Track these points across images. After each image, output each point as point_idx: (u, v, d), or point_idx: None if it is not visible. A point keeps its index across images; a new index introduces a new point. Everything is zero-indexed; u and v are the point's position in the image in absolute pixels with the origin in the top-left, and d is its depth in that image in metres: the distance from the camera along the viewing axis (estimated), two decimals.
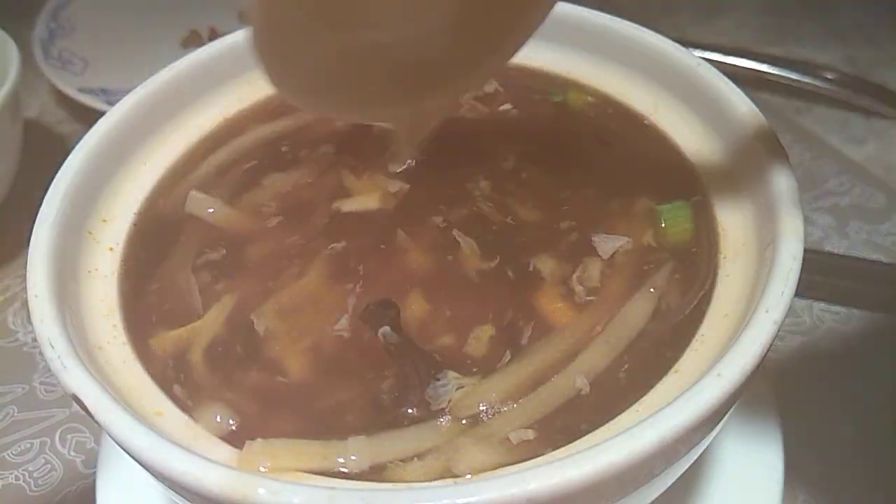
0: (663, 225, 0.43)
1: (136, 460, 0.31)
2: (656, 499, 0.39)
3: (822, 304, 0.68)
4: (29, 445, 0.63)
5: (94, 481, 0.56)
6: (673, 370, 0.36)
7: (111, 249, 0.44)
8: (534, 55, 0.53)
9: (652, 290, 0.40)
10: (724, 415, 0.35)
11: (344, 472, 0.33)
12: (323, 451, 0.34)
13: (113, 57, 1.01)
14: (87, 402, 0.31)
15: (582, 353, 0.38)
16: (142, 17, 1.09)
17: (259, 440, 0.34)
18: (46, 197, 0.41)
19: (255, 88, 0.54)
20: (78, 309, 0.39)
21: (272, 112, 0.53)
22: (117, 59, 1.00)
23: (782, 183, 0.39)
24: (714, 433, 0.37)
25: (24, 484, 0.61)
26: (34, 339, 0.70)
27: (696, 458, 0.37)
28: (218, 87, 0.53)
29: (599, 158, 0.49)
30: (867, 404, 0.62)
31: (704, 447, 0.37)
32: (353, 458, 0.33)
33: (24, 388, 0.67)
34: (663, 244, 0.43)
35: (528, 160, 0.48)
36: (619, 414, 0.35)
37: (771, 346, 0.33)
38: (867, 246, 0.75)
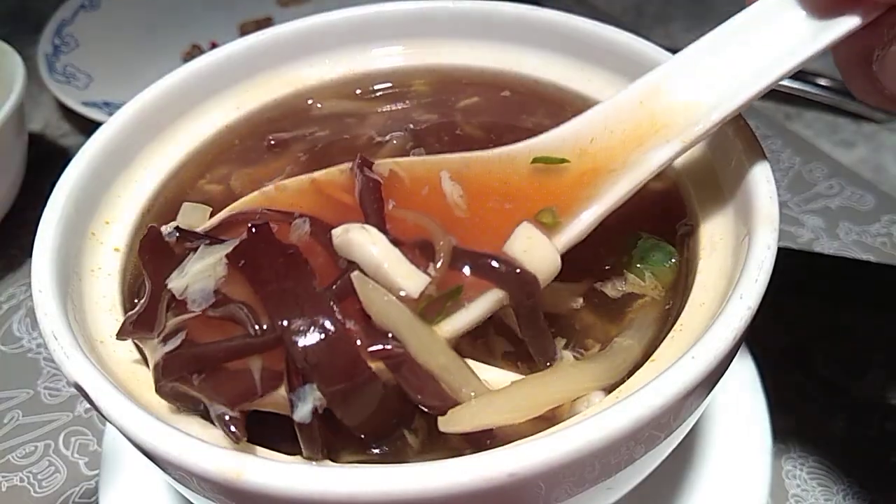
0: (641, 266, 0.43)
1: (134, 444, 0.32)
2: (645, 487, 0.40)
3: (816, 303, 0.69)
4: (33, 448, 0.65)
5: (97, 483, 0.57)
6: (650, 359, 0.37)
7: (116, 250, 0.45)
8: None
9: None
10: (702, 399, 0.36)
11: None
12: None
13: (116, 71, 1.03)
14: (87, 390, 0.33)
15: None
16: (144, 32, 1.12)
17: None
18: (51, 198, 0.43)
19: (253, 96, 0.56)
20: (81, 305, 0.41)
21: (270, 119, 0.55)
22: (120, 74, 1.02)
23: (758, 176, 0.40)
24: (693, 419, 0.38)
25: (28, 486, 0.62)
26: (39, 346, 0.73)
27: (676, 443, 0.38)
28: (216, 95, 0.54)
29: None
30: (857, 400, 0.63)
31: (685, 433, 0.38)
32: None
33: (28, 392, 0.69)
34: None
35: None
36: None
37: (746, 331, 0.34)
38: (857, 247, 0.76)
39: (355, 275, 0.36)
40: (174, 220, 0.46)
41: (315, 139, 0.54)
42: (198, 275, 0.36)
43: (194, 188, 0.51)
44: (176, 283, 0.36)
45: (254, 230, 0.37)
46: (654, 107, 0.41)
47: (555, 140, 0.43)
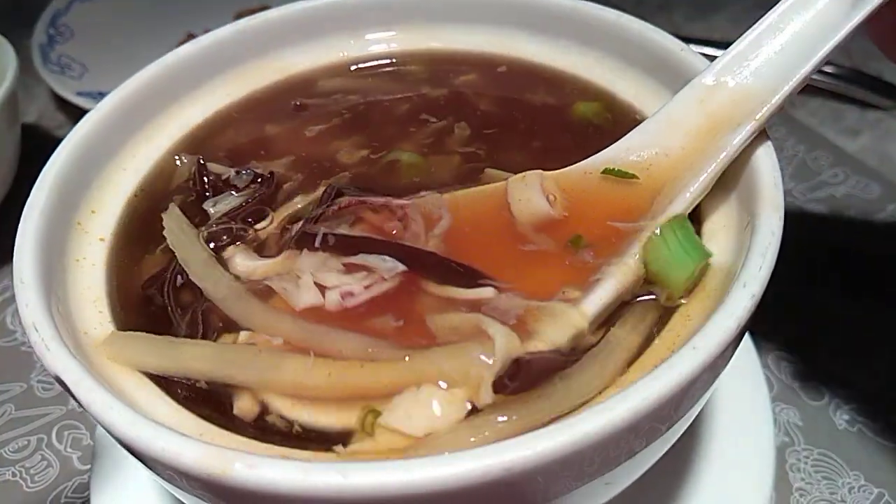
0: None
1: (116, 438, 0.31)
2: (646, 481, 0.39)
3: (820, 293, 0.68)
4: (26, 442, 0.64)
5: (89, 477, 0.56)
6: (648, 348, 0.36)
7: (102, 240, 0.44)
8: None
9: None
10: (704, 390, 0.35)
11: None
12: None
13: (110, 61, 1.02)
14: (68, 383, 0.32)
15: None
16: (139, 22, 1.10)
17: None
18: (35, 187, 0.42)
19: (243, 84, 0.55)
20: (65, 296, 0.40)
21: (260, 105, 0.54)
22: (115, 64, 1.01)
23: (762, 162, 0.39)
24: (695, 411, 0.37)
25: (20, 480, 0.61)
26: None
27: (678, 436, 0.37)
28: (205, 83, 0.53)
29: (583, 141, 0.49)
30: (861, 391, 0.62)
31: (687, 425, 0.37)
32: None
33: (21, 386, 0.68)
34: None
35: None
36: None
37: (749, 320, 0.33)
38: (862, 236, 0.75)
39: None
40: (161, 209, 0.46)
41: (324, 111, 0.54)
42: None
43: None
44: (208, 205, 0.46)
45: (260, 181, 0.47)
46: (713, 104, 0.43)
47: (624, 151, 0.44)
